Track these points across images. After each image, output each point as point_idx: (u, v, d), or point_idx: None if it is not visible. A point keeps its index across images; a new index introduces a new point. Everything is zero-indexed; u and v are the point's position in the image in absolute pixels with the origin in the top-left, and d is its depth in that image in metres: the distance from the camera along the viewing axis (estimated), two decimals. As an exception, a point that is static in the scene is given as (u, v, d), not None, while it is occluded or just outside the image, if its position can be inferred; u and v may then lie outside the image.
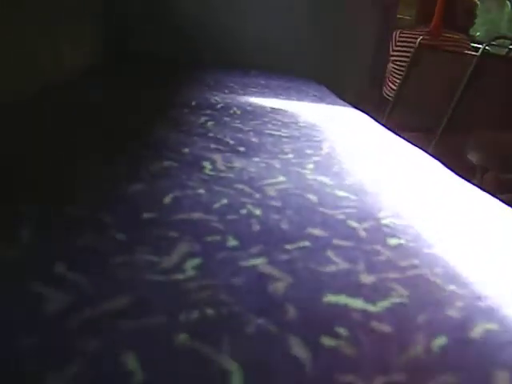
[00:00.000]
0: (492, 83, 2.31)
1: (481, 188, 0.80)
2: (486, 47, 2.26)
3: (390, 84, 2.95)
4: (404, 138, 1.11)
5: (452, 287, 0.46)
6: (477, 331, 0.40)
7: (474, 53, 2.52)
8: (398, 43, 2.84)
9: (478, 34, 3.69)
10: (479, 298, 0.45)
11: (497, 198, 0.76)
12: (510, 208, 0.72)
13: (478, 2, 3.43)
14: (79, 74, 1.34)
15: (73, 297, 0.40)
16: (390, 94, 2.88)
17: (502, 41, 2.81)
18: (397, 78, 2.81)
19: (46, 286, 0.41)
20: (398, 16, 2.95)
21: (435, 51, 2.53)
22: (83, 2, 1.47)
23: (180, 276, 0.44)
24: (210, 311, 0.39)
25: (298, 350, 0.37)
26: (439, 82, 2.52)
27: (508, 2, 4.02)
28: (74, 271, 0.44)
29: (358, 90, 1.93)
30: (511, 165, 2.02)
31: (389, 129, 1.21)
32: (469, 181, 0.84)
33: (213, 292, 0.42)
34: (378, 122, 1.23)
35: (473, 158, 2.21)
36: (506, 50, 3.07)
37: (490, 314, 0.43)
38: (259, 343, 0.37)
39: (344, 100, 1.49)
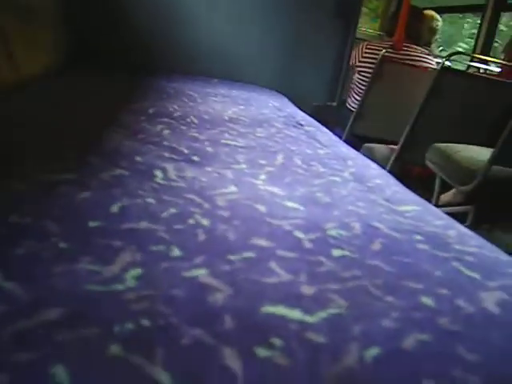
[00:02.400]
0: (451, 97, 2.37)
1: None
2: (446, 62, 2.31)
3: (355, 95, 2.99)
4: (363, 151, 1.13)
5: (390, 298, 0.47)
6: (409, 342, 0.41)
7: (433, 67, 2.57)
8: (364, 55, 2.89)
9: (440, 49, 3.78)
10: (415, 308, 0.46)
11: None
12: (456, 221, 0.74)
13: (440, 19, 3.52)
14: (30, 77, 1.32)
15: (6, 307, 0.39)
16: (354, 105, 2.92)
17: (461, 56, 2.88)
18: (362, 89, 2.85)
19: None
20: (362, 29, 3.01)
21: (397, 65, 2.58)
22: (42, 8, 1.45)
23: (119, 286, 0.44)
24: (145, 322, 0.39)
25: (232, 361, 0.37)
26: (401, 95, 2.57)
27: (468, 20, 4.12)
28: (10, 280, 0.43)
29: (319, 100, 1.95)
30: (466, 177, 2.06)
31: (349, 141, 1.22)
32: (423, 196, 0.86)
33: (151, 303, 0.42)
34: (336, 134, 1.24)
35: (432, 169, 2.25)
36: (466, 65, 3.15)
37: (424, 324, 0.44)
38: (193, 354, 0.37)
39: (304, 111, 1.50)
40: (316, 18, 1.90)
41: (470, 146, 2.22)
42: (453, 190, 2.37)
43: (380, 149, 2.61)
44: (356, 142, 2.41)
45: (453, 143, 2.24)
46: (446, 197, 2.40)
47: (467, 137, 2.33)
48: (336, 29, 1.90)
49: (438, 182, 2.31)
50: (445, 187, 2.35)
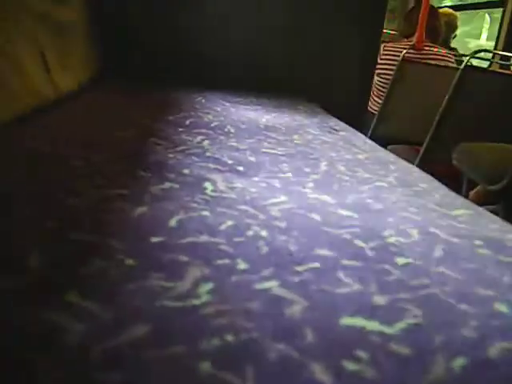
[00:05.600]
0: (476, 95, 2.35)
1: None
2: (469, 60, 2.30)
3: (375, 97, 2.99)
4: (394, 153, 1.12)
5: (464, 306, 0.47)
6: (494, 350, 0.40)
7: (456, 66, 2.56)
8: (383, 56, 2.88)
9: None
10: (492, 316, 0.46)
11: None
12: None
13: (458, 15, 3.50)
14: (70, 93, 1.34)
15: (90, 327, 0.40)
16: (375, 108, 2.91)
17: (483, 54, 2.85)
18: (382, 91, 2.84)
19: (61, 316, 0.41)
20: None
21: (419, 65, 2.57)
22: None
23: (195, 301, 0.44)
24: (229, 337, 0.39)
25: (322, 375, 0.37)
26: (424, 96, 2.56)
27: (487, 16, 4.09)
28: (87, 299, 0.43)
29: (347, 104, 1.95)
30: (495, 176, 2.04)
31: (377, 143, 1.22)
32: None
33: (230, 317, 0.42)
34: (369, 138, 1.24)
35: (459, 169, 2.23)
36: (488, 63, 3.12)
37: (506, 332, 0.43)
38: (282, 370, 0.37)
39: (334, 115, 1.50)
40: (341, 23, 1.90)
41: (497, 144, 2.20)
42: (477, 189, 2.35)
43: (405, 150, 2.60)
44: (379, 143, 2.41)
45: (479, 142, 2.22)
46: (472, 196, 2.38)
47: (493, 135, 2.32)
48: (361, 32, 1.89)
49: (465, 181, 2.29)
50: (470, 186, 2.33)
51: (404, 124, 2.67)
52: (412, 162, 2.38)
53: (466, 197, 2.26)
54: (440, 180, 0.94)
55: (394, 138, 2.69)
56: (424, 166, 2.41)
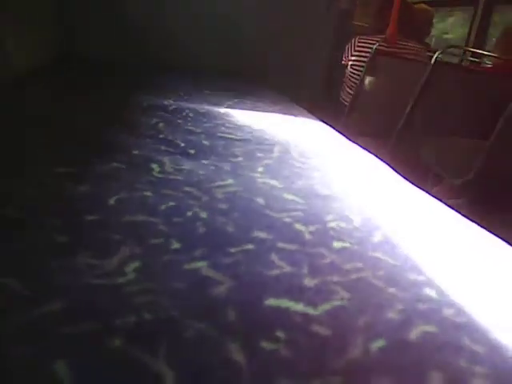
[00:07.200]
0: (445, 90, 2.37)
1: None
2: (439, 55, 2.31)
3: (348, 89, 2.99)
4: (358, 144, 1.12)
5: (393, 290, 0.47)
6: (415, 333, 0.40)
7: (427, 61, 2.57)
8: (357, 48, 2.88)
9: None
10: (419, 300, 0.46)
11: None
12: (456, 212, 0.74)
13: (434, 12, 3.52)
14: (25, 74, 1.31)
15: (5, 301, 0.39)
16: (347, 99, 2.91)
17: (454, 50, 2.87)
18: (354, 83, 2.84)
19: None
20: (356, 23, 3.00)
21: (390, 58, 2.57)
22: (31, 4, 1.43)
23: (120, 280, 0.43)
24: (147, 315, 0.39)
25: (237, 354, 0.36)
26: (394, 89, 2.57)
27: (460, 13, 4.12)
28: (9, 276, 0.42)
29: (314, 95, 1.94)
30: (460, 170, 2.06)
31: (344, 135, 1.22)
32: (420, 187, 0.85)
33: (152, 296, 0.41)
34: (334, 128, 1.24)
35: (425, 163, 2.25)
36: (459, 58, 3.14)
37: (429, 316, 0.43)
38: (197, 348, 0.36)
39: (300, 106, 1.49)
40: (310, 11, 1.89)
41: (464, 139, 2.22)
42: (444, 183, 2.37)
43: (374, 143, 2.61)
44: (349, 135, 2.42)
45: (447, 136, 2.24)
46: (437, 190, 2.40)
47: (461, 130, 2.34)
48: (330, 23, 1.89)
49: (431, 175, 2.31)
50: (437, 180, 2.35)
51: (375, 116, 2.68)
52: (380, 155, 2.39)
53: (430, 190, 2.28)
54: (407, 173, 0.94)
55: (364, 130, 2.70)
56: (392, 158, 2.42)
